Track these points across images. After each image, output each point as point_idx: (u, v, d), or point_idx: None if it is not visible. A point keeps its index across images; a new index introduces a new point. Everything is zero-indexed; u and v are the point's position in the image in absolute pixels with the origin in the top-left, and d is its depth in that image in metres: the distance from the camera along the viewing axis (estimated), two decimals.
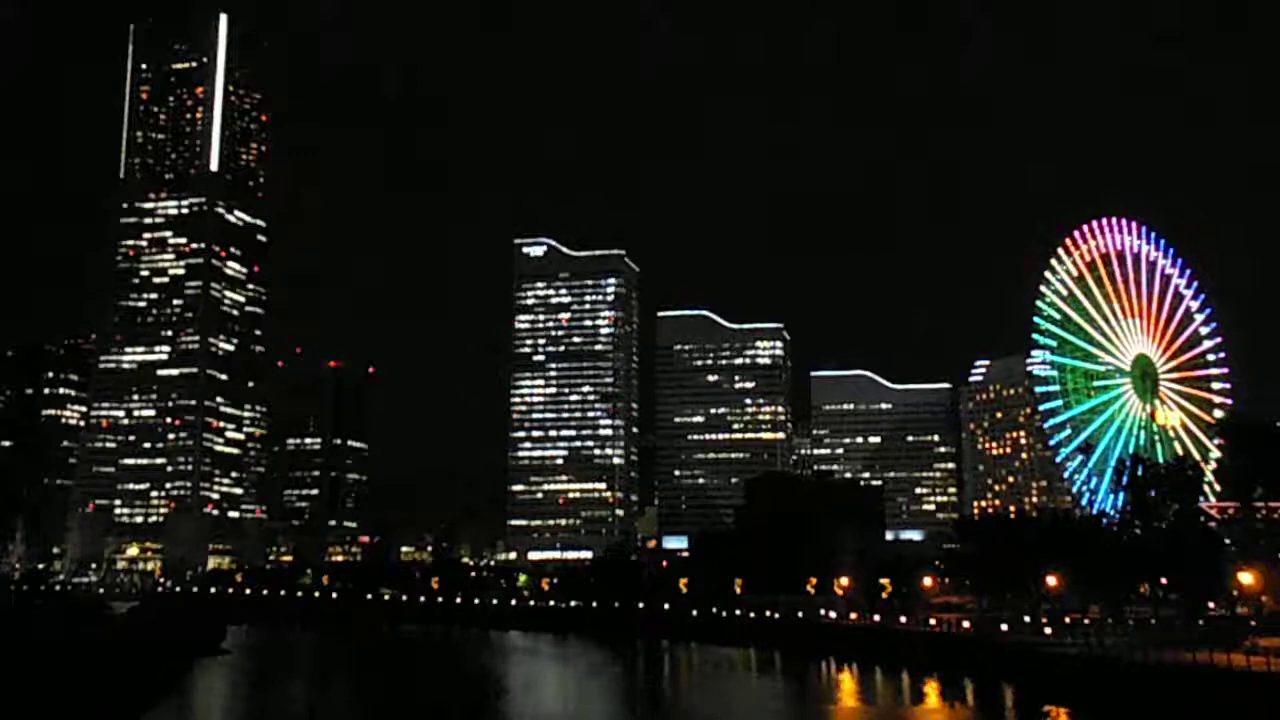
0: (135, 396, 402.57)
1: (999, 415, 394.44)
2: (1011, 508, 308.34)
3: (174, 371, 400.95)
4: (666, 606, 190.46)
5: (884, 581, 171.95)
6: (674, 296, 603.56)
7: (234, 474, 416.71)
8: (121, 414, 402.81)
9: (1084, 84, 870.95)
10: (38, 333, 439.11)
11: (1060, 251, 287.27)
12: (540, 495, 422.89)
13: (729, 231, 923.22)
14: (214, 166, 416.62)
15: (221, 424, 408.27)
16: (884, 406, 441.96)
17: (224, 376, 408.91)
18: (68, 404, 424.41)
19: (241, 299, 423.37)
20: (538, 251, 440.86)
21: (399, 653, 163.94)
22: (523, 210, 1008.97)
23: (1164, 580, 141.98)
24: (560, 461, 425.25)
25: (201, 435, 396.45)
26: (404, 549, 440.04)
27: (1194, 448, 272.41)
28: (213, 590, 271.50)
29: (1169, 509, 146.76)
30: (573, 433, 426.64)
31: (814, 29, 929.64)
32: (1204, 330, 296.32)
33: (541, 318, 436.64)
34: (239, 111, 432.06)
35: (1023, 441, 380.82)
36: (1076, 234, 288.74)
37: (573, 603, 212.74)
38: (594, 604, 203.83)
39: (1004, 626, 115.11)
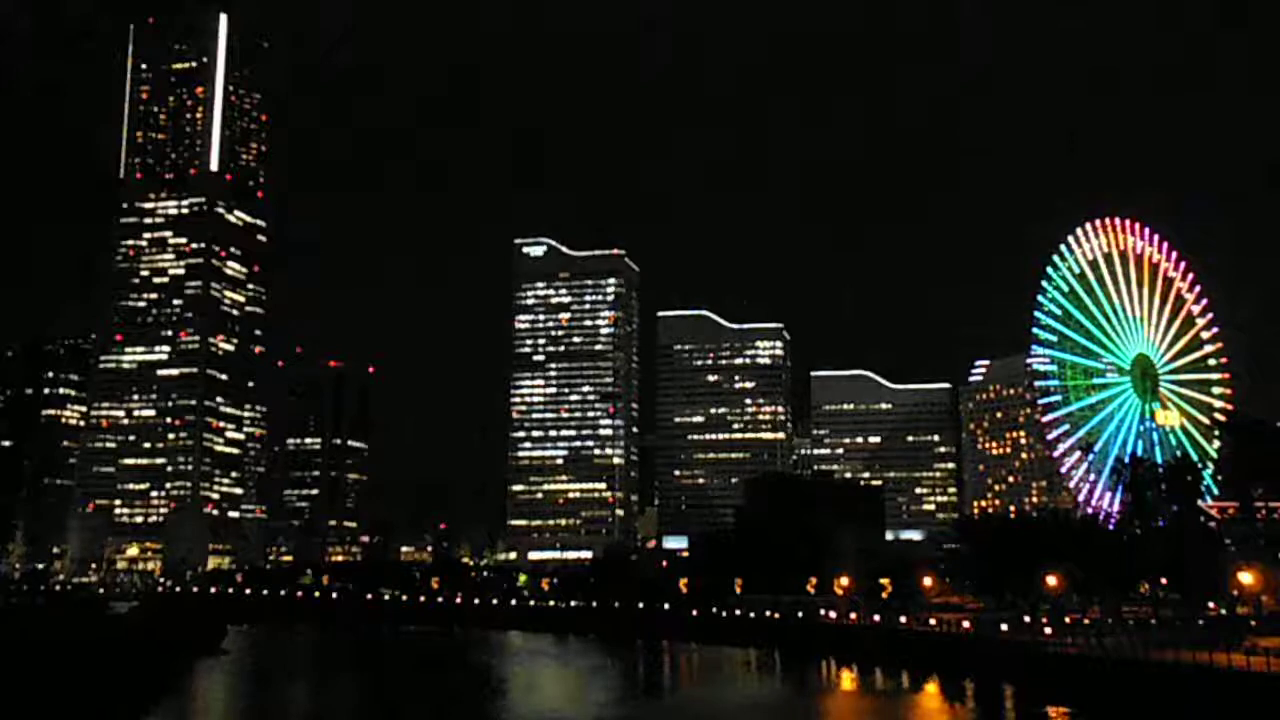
0: (135, 396, 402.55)
1: (999, 415, 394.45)
2: (1011, 508, 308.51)
3: (174, 371, 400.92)
4: (666, 606, 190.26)
5: (884, 581, 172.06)
6: (674, 296, 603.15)
7: (234, 474, 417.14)
8: (121, 414, 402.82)
9: (1085, 83, 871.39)
10: (38, 333, 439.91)
11: (1063, 249, 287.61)
12: (540, 495, 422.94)
13: (729, 231, 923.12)
14: (214, 166, 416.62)
15: (221, 424, 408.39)
16: (884, 406, 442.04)
17: (224, 376, 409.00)
18: (68, 404, 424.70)
19: (241, 299, 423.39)
20: (538, 251, 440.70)
21: (399, 653, 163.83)
22: (523, 210, 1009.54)
23: (1164, 580, 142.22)
24: (560, 461, 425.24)
25: (201, 435, 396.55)
26: (404, 549, 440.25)
27: (1193, 448, 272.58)
28: (213, 590, 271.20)
29: (1169, 509, 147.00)
30: (573, 433, 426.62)
31: (814, 29, 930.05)
32: (1205, 335, 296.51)
33: (541, 318, 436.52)
34: (239, 111, 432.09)
35: (1023, 441, 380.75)
36: (1079, 232, 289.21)
37: (573, 603, 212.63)
38: (594, 604, 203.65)
39: (1004, 626, 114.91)
